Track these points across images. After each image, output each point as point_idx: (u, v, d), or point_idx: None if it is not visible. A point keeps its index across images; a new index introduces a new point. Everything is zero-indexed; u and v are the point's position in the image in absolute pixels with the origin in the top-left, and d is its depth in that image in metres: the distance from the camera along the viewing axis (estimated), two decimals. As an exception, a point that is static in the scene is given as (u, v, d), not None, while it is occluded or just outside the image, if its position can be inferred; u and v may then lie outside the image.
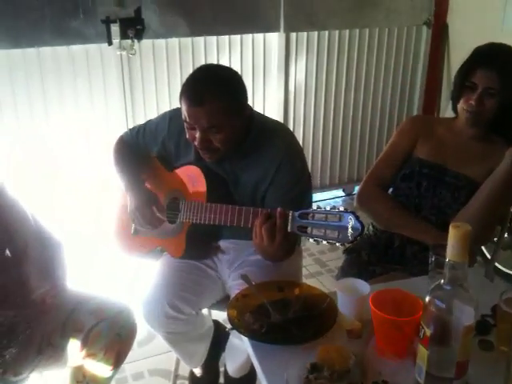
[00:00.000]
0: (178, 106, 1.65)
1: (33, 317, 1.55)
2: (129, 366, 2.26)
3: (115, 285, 2.68)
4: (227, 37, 3.20)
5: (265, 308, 1.34)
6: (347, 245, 1.39)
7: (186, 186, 1.77)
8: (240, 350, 1.97)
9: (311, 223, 1.37)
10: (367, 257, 1.85)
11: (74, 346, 1.57)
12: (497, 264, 2.66)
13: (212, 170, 1.72)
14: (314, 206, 1.40)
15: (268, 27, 3.28)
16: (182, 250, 1.77)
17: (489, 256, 2.24)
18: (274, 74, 3.42)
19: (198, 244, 1.81)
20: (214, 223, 1.63)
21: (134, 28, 2.84)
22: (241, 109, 1.62)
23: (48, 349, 1.57)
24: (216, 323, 2.10)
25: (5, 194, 1.61)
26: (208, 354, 2.02)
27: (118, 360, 1.62)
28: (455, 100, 1.78)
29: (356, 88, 3.66)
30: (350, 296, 1.31)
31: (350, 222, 1.31)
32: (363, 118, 3.78)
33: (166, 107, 3.06)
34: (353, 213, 1.32)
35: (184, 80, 1.61)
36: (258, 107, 1.75)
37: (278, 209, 1.42)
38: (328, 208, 1.35)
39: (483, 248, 2.37)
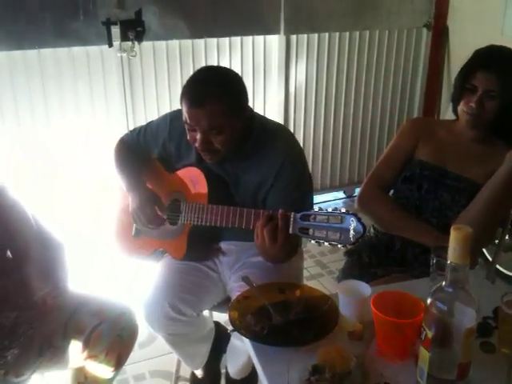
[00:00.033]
0: (179, 107, 1.66)
1: (34, 318, 1.55)
2: (130, 368, 2.26)
3: (115, 285, 2.68)
4: (227, 39, 3.20)
5: (266, 310, 1.34)
6: (349, 246, 1.39)
7: (187, 188, 1.77)
8: (241, 351, 1.97)
9: (313, 225, 1.37)
10: (368, 259, 1.85)
11: (75, 348, 1.57)
12: (498, 266, 2.65)
13: (213, 172, 1.72)
14: (316, 208, 1.40)
15: (268, 29, 3.28)
16: (183, 251, 1.77)
17: (490, 258, 2.24)
18: (274, 77, 3.43)
19: (199, 246, 1.81)
20: (215, 225, 1.63)
21: (134, 30, 2.84)
22: (241, 110, 1.62)
23: (49, 350, 1.57)
24: (217, 325, 2.10)
25: (6, 194, 1.61)
26: (209, 355, 2.02)
27: (119, 361, 1.62)
28: (456, 102, 1.78)
29: (356, 90, 3.67)
30: (352, 298, 1.31)
31: (352, 223, 1.31)
32: (364, 120, 3.79)
33: (166, 109, 3.07)
34: (354, 214, 1.33)
35: (184, 82, 1.61)
36: (258, 109, 1.75)
37: (280, 210, 1.42)
38: (330, 210, 1.36)
39: (484, 250, 2.38)
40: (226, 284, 1.85)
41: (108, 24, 2.78)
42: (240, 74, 1.70)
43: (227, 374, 2.09)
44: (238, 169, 1.70)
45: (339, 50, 3.51)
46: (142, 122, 2.72)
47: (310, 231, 1.38)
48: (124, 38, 2.84)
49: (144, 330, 1.80)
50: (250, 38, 3.27)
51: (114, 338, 1.57)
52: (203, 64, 3.11)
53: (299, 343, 1.22)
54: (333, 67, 3.54)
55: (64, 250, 1.72)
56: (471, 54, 1.75)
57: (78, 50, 2.86)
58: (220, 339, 2.06)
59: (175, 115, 1.79)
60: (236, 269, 1.82)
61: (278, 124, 1.86)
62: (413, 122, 2.04)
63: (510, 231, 2.24)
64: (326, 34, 3.44)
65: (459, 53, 3.53)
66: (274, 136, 1.70)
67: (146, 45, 2.98)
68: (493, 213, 1.66)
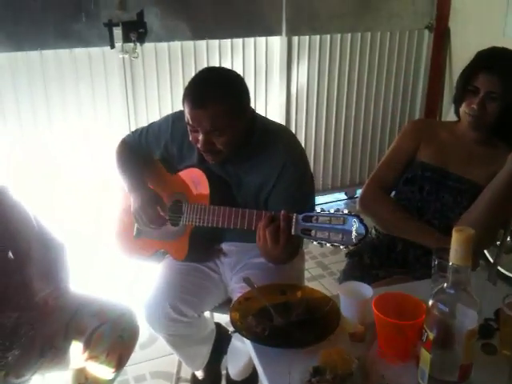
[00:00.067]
0: (181, 108, 1.66)
1: (36, 319, 1.55)
2: (131, 369, 2.26)
3: (116, 286, 2.68)
4: (229, 40, 3.20)
5: (267, 311, 1.34)
6: (350, 248, 1.39)
7: (188, 189, 1.77)
8: (242, 352, 1.97)
9: (315, 226, 1.37)
10: (370, 260, 1.85)
11: (76, 349, 1.57)
12: (499, 268, 2.65)
13: (215, 173, 1.73)
14: (318, 209, 1.40)
15: (270, 31, 3.29)
16: (185, 252, 1.77)
17: (491, 260, 2.24)
18: (276, 78, 3.43)
19: (201, 247, 1.81)
20: (217, 226, 1.63)
21: (136, 31, 2.85)
22: (243, 111, 1.62)
23: (50, 351, 1.57)
24: (218, 326, 2.10)
25: (7, 196, 1.61)
26: (210, 356, 2.02)
27: (120, 362, 1.62)
28: (457, 104, 1.78)
29: (358, 92, 3.67)
30: (353, 299, 1.31)
31: (354, 224, 1.32)
32: (365, 122, 3.79)
33: (168, 110, 3.07)
34: (357, 216, 1.33)
35: (186, 83, 1.62)
36: (260, 111, 1.76)
37: (282, 211, 1.42)
38: (332, 211, 1.36)
39: (486, 252, 2.38)
40: (227, 285, 1.85)
41: (110, 25, 2.78)
42: (242, 75, 1.70)
43: (228, 375, 2.09)
44: (239, 170, 1.70)
45: (341, 51, 3.52)
46: (143, 123, 2.72)
47: (312, 232, 1.38)
48: (126, 39, 2.84)
49: (145, 330, 1.80)
50: (252, 39, 3.27)
51: (114, 339, 1.57)
52: (205, 65, 3.12)
53: (300, 345, 1.22)
54: (334, 69, 3.54)
55: (65, 250, 1.73)
56: (473, 55, 1.75)
57: (79, 51, 2.87)
58: (221, 340, 2.06)
59: (177, 116, 1.80)
60: (237, 270, 1.82)
61: (280, 125, 1.86)
62: (414, 123, 2.04)
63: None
64: (328, 36, 3.45)
65: (461, 54, 3.53)
66: (276, 137, 1.70)
67: (148, 46, 2.98)
68: (494, 214, 1.66)
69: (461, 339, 1.00)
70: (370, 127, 3.81)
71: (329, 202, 3.97)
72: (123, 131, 2.79)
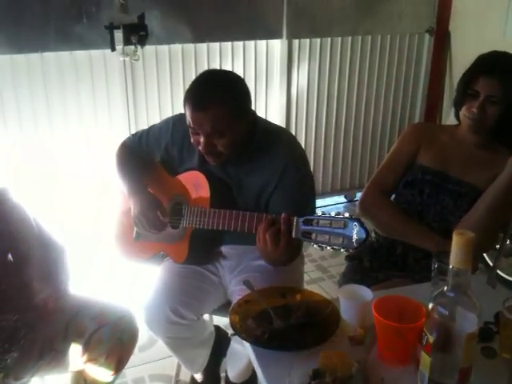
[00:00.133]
0: (181, 111, 1.66)
1: (35, 321, 1.55)
2: (130, 371, 2.25)
3: (115, 288, 2.68)
4: (230, 43, 3.21)
5: (267, 314, 1.33)
6: (351, 251, 1.39)
7: (189, 191, 1.77)
8: (241, 355, 1.97)
9: (316, 229, 1.38)
10: (369, 263, 1.85)
11: (75, 351, 1.57)
12: (499, 271, 2.65)
13: (215, 175, 1.73)
14: (319, 212, 1.40)
15: (271, 34, 3.29)
16: (185, 255, 1.77)
17: (491, 263, 2.23)
18: (276, 81, 3.43)
19: (201, 249, 1.81)
20: (217, 228, 1.63)
21: (137, 34, 2.86)
22: (244, 113, 1.62)
23: (50, 354, 1.57)
24: (217, 328, 2.10)
25: (7, 197, 1.61)
26: (209, 359, 2.01)
27: (119, 365, 1.61)
28: (458, 107, 1.78)
29: (358, 95, 3.68)
30: (353, 302, 1.31)
31: (355, 228, 1.32)
32: (365, 125, 3.79)
33: (168, 112, 3.08)
34: (358, 219, 1.33)
35: (186, 86, 1.62)
36: (260, 113, 1.76)
37: (283, 214, 1.43)
38: (333, 214, 1.36)
39: (485, 255, 2.37)
40: (226, 288, 1.85)
41: (111, 28, 2.79)
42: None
43: (227, 377, 2.09)
44: (240, 172, 1.70)
45: (341, 54, 3.53)
46: (144, 125, 2.73)
47: (313, 235, 1.38)
48: (127, 42, 2.85)
49: (144, 333, 1.80)
50: (253, 42, 3.28)
51: (114, 342, 1.57)
52: (206, 68, 3.11)
53: (300, 347, 1.22)
54: (335, 72, 3.55)
55: (65, 252, 1.73)
56: (473, 59, 1.75)
57: (80, 53, 2.87)
58: (220, 343, 2.06)
59: (178, 119, 1.80)
60: (237, 273, 1.81)
61: (280, 127, 1.86)
62: (414, 126, 2.05)
63: (511, 236, 2.24)
64: (328, 39, 3.45)
65: (461, 58, 3.54)
66: (277, 139, 1.71)
67: (149, 49, 2.99)
68: (494, 218, 1.66)
69: (461, 342, 1.00)
70: (369, 130, 3.82)
71: (328, 205, 3.97)
72: (123, 133, 2.80)
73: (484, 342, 1.24)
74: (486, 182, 1.70)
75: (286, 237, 1.42)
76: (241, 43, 3.24)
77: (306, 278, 2.37)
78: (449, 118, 3.59)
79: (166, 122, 1.87)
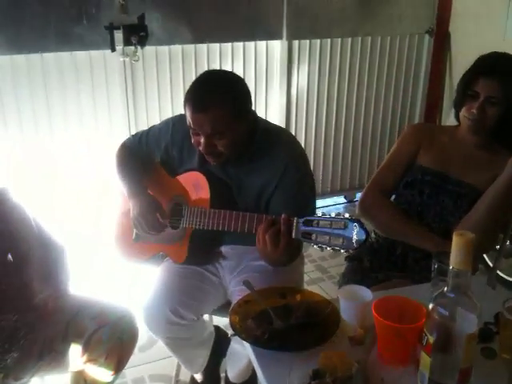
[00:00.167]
0: (181, 111, 1.66)
1: (35, 321, 1.55)
2: (129, 371, 2.25)
3: (115, 288, 2.68)
4: (230, 44, 3.21)
5: (267, 314, 1.33)
6: (351, 252, 1.39)
7: (189, 192, 1.77)
8: (241, 355, 1.97)
9: (316, 230, 1.38)
10: (369, 263, 1.85)
11: (75, 351, 1.57)
12: (499, 272, 2.65)
13: (216, 176, 1.73)
14: (319, 213, 1.40)
15: (271, 35, 3.29)
16: (185, 255, 1.77)
17: (491, 264, 2.24)
18: (276, 82, 3.43)
19: (201, 250, 1.81)
20: (217, 229, 1.63)
21: (137, 35, 2.86)
22: (244, 113, 1.62)
23: (50, 354, 1.57)
24: (217, 329, 2.10)
25: (7, 198, 1.61)
26: (209, 359, 2.01)
27: (119, 365, 1.61)
28: (458, 108, 1.78)
29: (358, 96, 3.68)
30: (353, 302, 1.31)
31: (355, 229, 1.32)
32: (365, 126, 3.79)
33: (168, 113, 3.08)
34: (358, 220, 1.33)
35: (186, 87, 1.62)
36: (260, 114, 1.76)
37: (283, 215, 1.43)
38: (333, 215, 1.36)
39: (485, 256, 2.38)
40: (226, 288, 1.85)
41: (111, 28, 2.79)
42: (242, 78, 1.70)
43: (227, 378, 2.09)
44: (241, 172, 1.70)
45: (341, 55, 3.53)
46: (144, 126, 2.73)
47: (313, 236, 1.38)
48: (127, 42, 2.85)
49: (144, 333, 1.80)
50: (253, 43, 3.28)
51: (114, 342, 1.57)
52: (206, 69, 3.11)
53: (300, 348, 1.22)
54: (335, 73, 3.55)
55: (65, 252, 1.73)
56: (473, 60, 1.76)
57: (80, 54, 2.87)
58: (220, 343, 2.06)
59: (178, 120, 1.80)
60: (236, 273, 1.82)
61: (281, 127, 1.86)
62: (414, 127, 2.05)
63: (511, 237, 2.24)
64: (328, 40, 3.45)
65: (461, 59, 3.54)
66: (278, 139, 1.71)
67: (149, 49, 2.99)
68: (494, 219, 1.66)
69: (461, 343, 1.00)
70: (369, 131, 3.82)
71: (328, 205, 3.97)
72: (123, 134, 2.81)
73: (484, 343, 1.24)
74: (485, 183, 1.70)
75: (285, 237, 1.42)
76: (241, 44, 3.24)
77: (305, 278, 2.38)
78: (449, 118, 3.59)
79: (166, 122, 1.87)
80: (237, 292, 1.68)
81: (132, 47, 2.88)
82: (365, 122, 3.77)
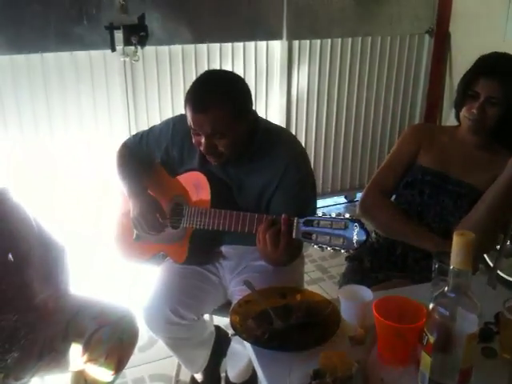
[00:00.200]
0: (182, 111, 1.66)
1: (35, 321, 1.55)
2: (130, 371, 2.25)
3: (115, 288, 2.68)
4: (230, 44, 3.21)
5: (267, 314, 1.33)
6: (351, 252, 1.39)
7: (189, 192, 1.77)
8: (241, 355, 1.97)
9: (316, 230, 1.38)
10: (369, 263, 1.85)
11: (75, 351, 1.57)
12: (499, 272, 2.65)
13: (216, 176, 1.73)
14: (320, 213, 1.40)
15: (271, 35, 3.29)
16: (185, 255, 1.77)
17: (491, 264, 2.23)
18: (276, 82, 3.43)
19: (201, 250, 1.81)
20: (217, 229, 1.63)
21: (137, 35, 2.86)
22: (245, 113, 1.62)
23: (50, 354, 1.57)
24: (217, 328, 2.10)
25: (8, 198, 1.61)
26: (209, 359, 2.01)
27: (119, 365, 1.61)
28: (458, 108, 1.78)
29: (358, 96, 3.68)
30: (353, 302, 1.31)
31: (355, 229, 1.32)
32: (365, 126, 3.79)
33: (168, 113, 3.08)
34: (358, 221, 1.33)
35: (187, 87, 1.62)
36: (260, 114, 1.76)
37: (283, 215, 1.43)
38: (333, 215, 1.36)
39: (486, 256, 2.37)
40: (226, 288, 1.85)
41: (111, 28, 2.79)
42: (242, 78, 1.70)
43: (227, 377, 2.09)
44: (241, 172, 1.70)
45: (341, 55, 3.53)
46: (144, 126, 2.73)
47: (313, 236, 1.38)
48: (127, 42, 2.85)
49: (144, 333, 1.80)
50: (253, 43, 3.28)
51: (114, 342, 1.57)
52: (206, 69, 3.11)
53: (300, 348, 1.22)
54: (335, 73, 3.55)
55: (65, 252, 1.73)
56: (473, 60, 1.76)
57: (80, 54, 2.87)
58: (220, 343, 2.06)
59: (178, 120, 1.80)
60: (237, 273, 1.82)
61: (281, 127, 1.87)
62: (414, 127, 2.05)
63: (511, 237, 2.24)
64: (329, 40, 3.45)
65: (461, 59, 3.54)
66: (278, 139, 1.71)
67: (149, 49, 2.99)
68: (494, 219, 1.67)
69: (461, 343, 1.00)
70: (370, 131, 3.82)
71: (328, 205, 3.97)
72: (123, 134, 2.81)
73: (484, 343, 1.24)
74: (485, 183, 1.70)
75: (286, 237, 1.42)
76: (241, 44, 3.24)
77: (306, 278, 2.38)
78: (449, 118, 3.59)
79: (167, 122, 1.87)
80: (237, 292, 1.69)
81: (132, 47, 2.88)
82: (365, 121, 3.77)
